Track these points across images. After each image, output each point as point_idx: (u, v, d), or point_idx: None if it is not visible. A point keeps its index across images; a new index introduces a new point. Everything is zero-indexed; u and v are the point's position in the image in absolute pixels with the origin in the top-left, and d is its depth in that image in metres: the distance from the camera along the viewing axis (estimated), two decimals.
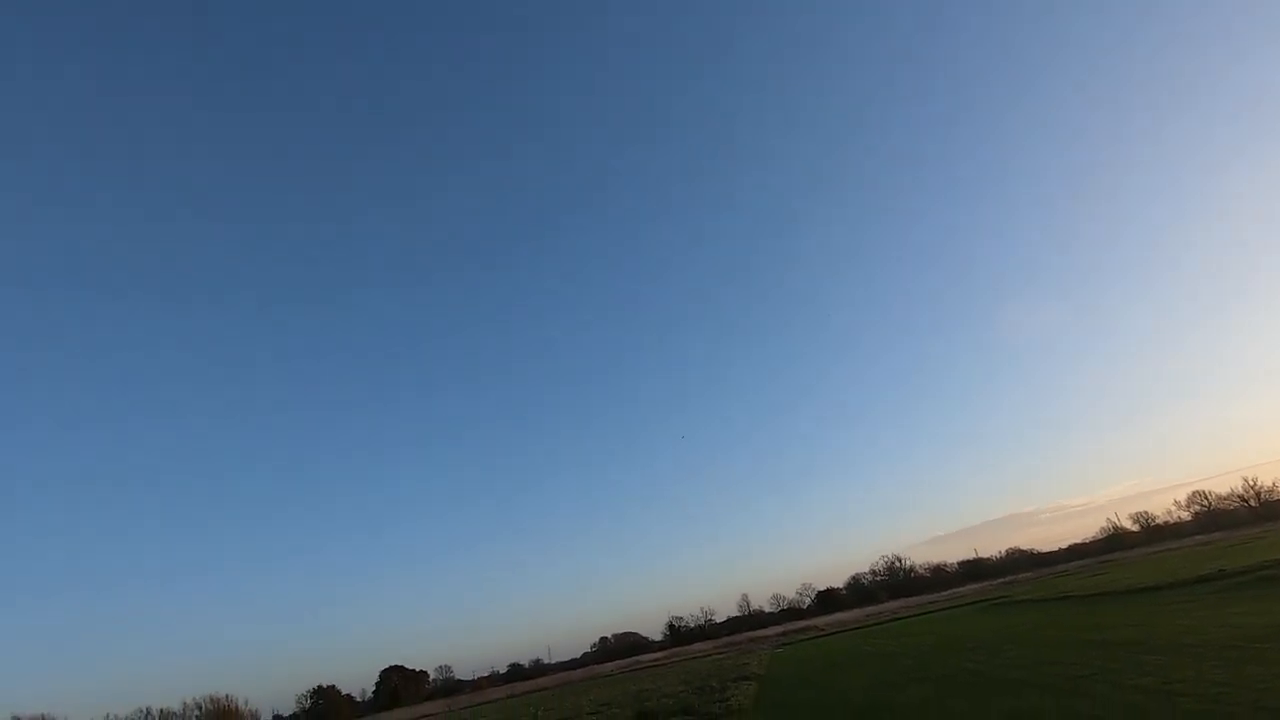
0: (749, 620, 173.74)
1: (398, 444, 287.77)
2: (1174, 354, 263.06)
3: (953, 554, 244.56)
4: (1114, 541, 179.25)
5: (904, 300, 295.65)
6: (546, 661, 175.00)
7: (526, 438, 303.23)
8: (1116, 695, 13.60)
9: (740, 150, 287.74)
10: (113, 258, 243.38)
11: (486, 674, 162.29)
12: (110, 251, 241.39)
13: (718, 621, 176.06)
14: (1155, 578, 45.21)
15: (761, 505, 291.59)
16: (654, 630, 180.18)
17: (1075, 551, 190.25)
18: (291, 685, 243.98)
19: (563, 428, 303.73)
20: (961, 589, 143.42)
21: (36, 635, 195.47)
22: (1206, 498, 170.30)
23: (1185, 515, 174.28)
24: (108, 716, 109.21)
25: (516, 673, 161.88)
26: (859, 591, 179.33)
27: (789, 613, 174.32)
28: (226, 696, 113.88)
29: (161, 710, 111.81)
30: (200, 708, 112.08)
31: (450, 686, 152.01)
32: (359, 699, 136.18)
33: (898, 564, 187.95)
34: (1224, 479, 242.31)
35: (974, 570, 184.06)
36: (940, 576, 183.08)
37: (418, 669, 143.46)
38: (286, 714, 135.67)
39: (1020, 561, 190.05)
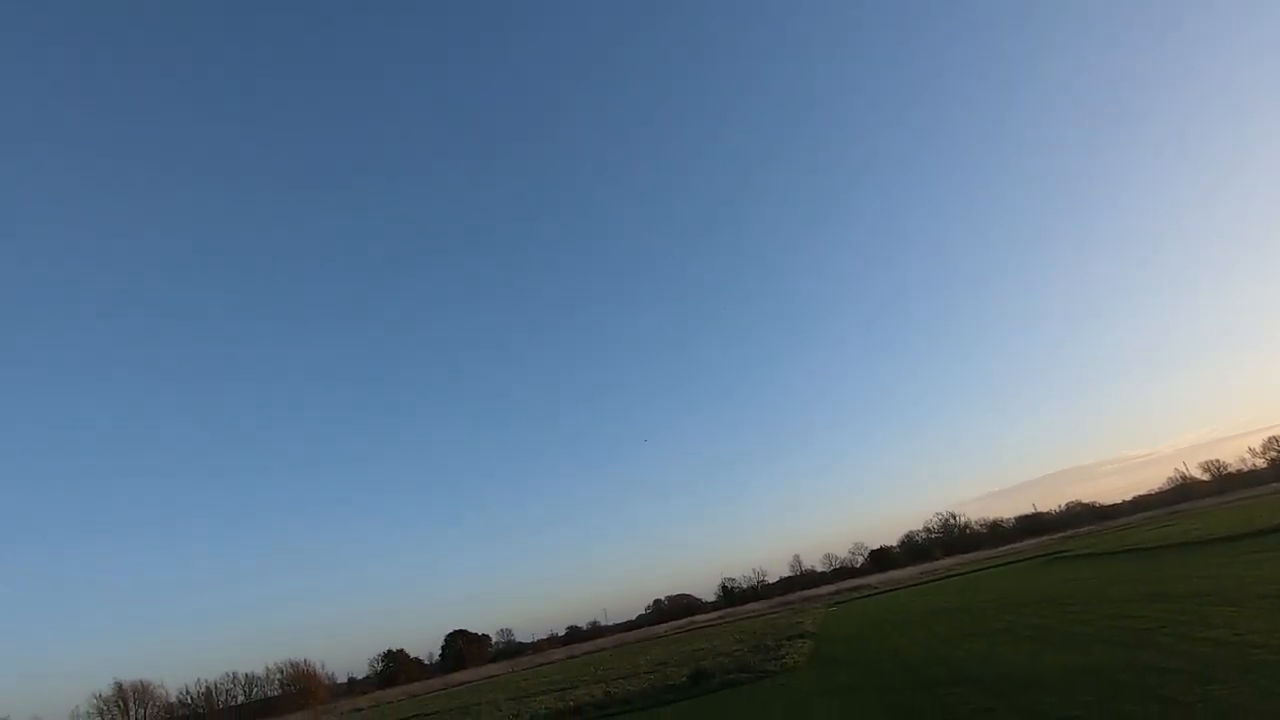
0: (801, 580, 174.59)
1: (462, 419, 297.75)
2: (1240, 292, 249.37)
3: (1010, 509, 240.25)
4: (1183, 492, 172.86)
5: (955, 251, 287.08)
6: (603, 624, 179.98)
7: (582, 410, 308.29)
8: (1185, 648, 13.26)
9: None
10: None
11: (546, 636, 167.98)
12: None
13: (770, 582, 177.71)
14: (1228, 528, 43.53)
15: (811, 466, 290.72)
16: (707, 592, 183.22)
17: (1141, 503, 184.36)
18: (363, 649, 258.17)
19: (610, 399, 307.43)
20: (1019, 544, 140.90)
21: (134, 605, 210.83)
22: None
23: (1260, 462, 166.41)
24: (199, 681, 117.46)
25: (574, 635, 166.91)
26: (913, 549, 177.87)
27: (841, 572, 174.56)
28: (305, 661, 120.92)
29: (247, 675, 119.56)
30: (281, 672, 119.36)
31: (512, 649, 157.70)
32: (426, 661, 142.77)
33: (952, 521, 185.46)
34: None
35: (1032, 525, 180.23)
36: (997, 532, 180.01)
37: (480, 633, 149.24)
38: (360, 676, 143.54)
39: (1081, 515, 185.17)
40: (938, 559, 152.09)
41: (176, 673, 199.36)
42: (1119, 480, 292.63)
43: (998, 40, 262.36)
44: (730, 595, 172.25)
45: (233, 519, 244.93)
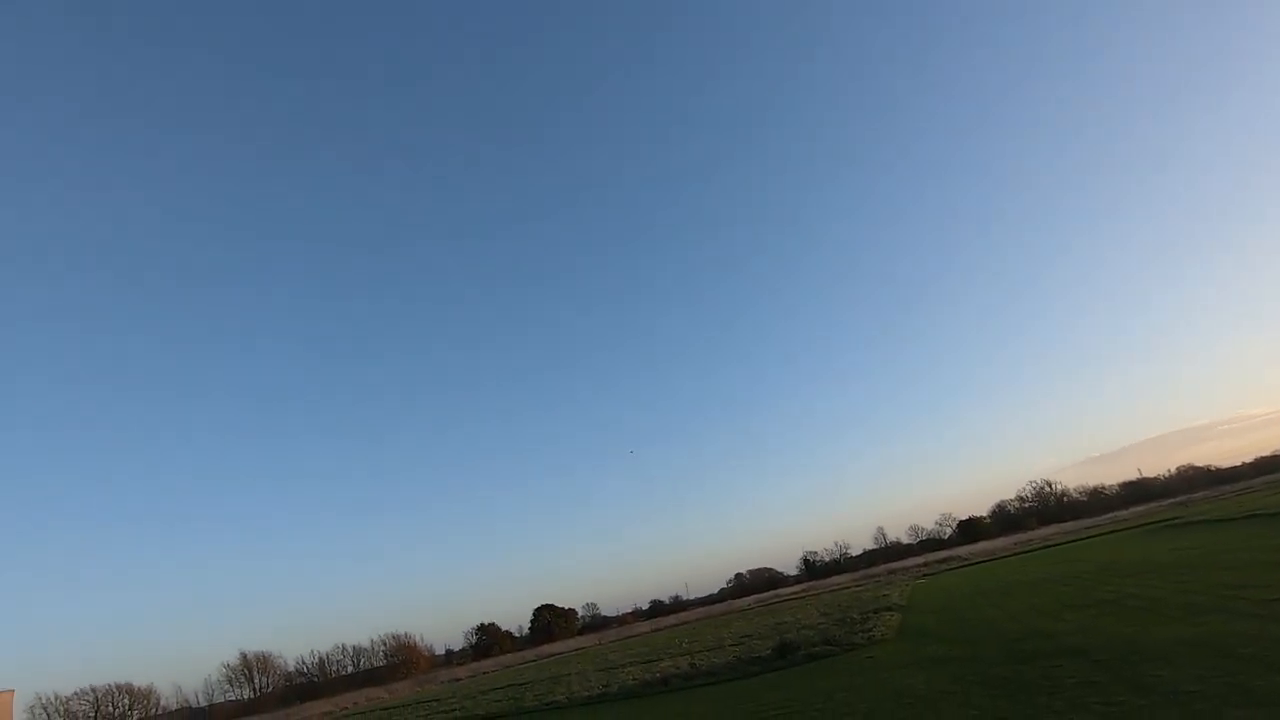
0: (885, 552, 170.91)
1: (541, 396, 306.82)
2: None
3: (1112, 475, 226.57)
4: None
5: (1049, 195, 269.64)
6: (685, 597, 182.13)
7: (655, 382, 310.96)
8: None
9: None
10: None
11: (630, 610, 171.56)
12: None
13: (853, 555, 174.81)
14: None
15: (895, 435, 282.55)
16: (788, 565, 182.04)
17: (1263, 466, 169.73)
18: (458, 623, 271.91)
19: (689, 370, 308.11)
20: (1123, 512, 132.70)
21: (256, 582, 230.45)
22: None
23: None
24: (312, 652, 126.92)
25: (658, 608, 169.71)
26: (1005, 520, 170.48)
27: (928, 544, 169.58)
28: (405, 633, 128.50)
29: (354, 646, 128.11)
30: (385, 643, 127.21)
31: (597, 622, 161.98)
32: (517, 634, 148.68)
33: (1048, 489, 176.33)
34: None
35: (1138, 491, 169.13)
36: (1098, 500, 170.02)
37: (567, 606, 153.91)
38: (456, 648, 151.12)
39: (1195, 480, 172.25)
40: (1032, 529, 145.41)
41: (293, 644, 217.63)
42: (1237, 442, 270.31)
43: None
44: (812, 568, 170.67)
45: (339, 503, 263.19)
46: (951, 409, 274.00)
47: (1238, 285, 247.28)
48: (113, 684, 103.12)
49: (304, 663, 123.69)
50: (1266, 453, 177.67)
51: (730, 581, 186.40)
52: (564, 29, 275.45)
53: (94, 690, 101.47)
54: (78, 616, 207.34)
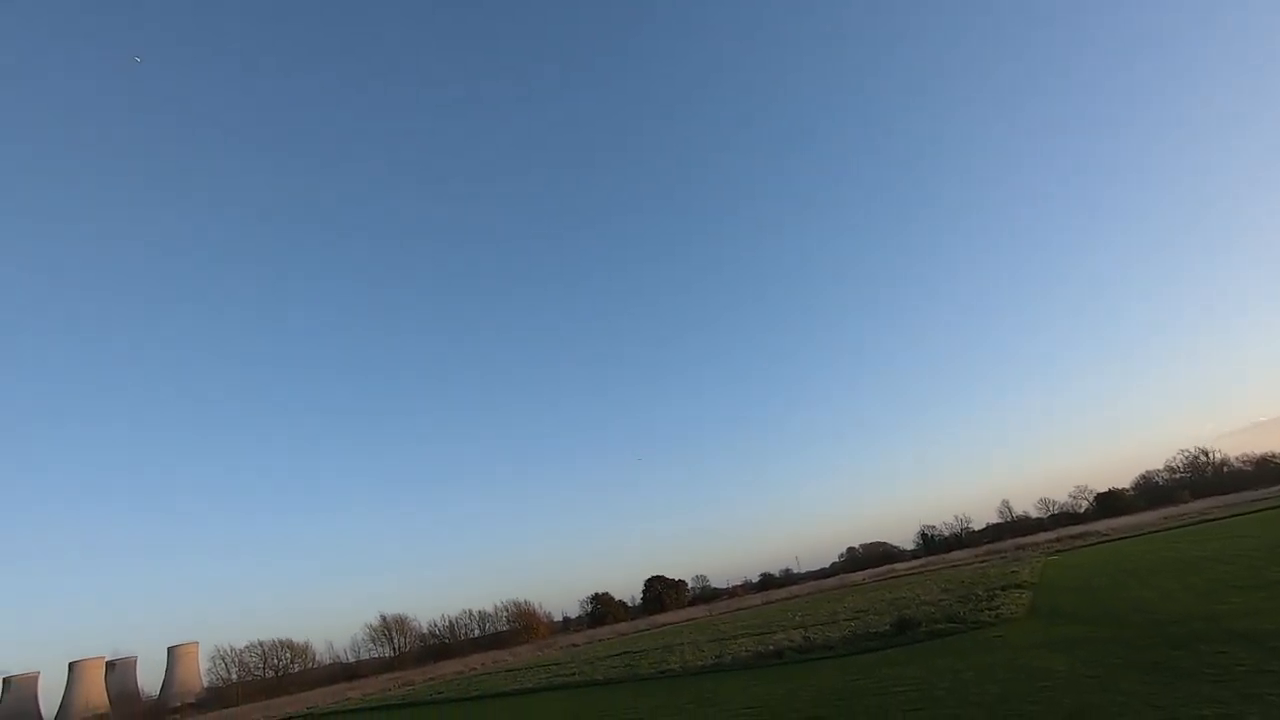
0: (1012, 527, 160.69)
1: (657, 371, 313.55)
2: None
3: None
4: None
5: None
6: (796, 571, 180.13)
7: (762, 356, 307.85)
8: None
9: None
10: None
11: (740, 582, 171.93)
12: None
13: (975, 529, 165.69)
14: None
15: (1021, 400, 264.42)
16: (904, 539, 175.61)
17: None
18: (573, 592, 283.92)
19: (803, 344, 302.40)
20: None
21: (394, 550, 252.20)
22: None
23: None
24: (443, 615, 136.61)
25: (768, 581, 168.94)
26: (1150, 492, 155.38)
27: (1061, 518, 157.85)
28: (525, 601, 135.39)
29: (480, 611, 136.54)
30: (507, 610, 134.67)
31: (707, 594, 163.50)
32: (629, 604, 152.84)
33: (1203, 458, 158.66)
34: None
35: None
36: (1266, 470, 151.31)
37: (677, 578, 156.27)
38: (572, 616, 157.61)
39: None
40: (1184, 502, 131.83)
41: (425, 608, 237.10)
42: None
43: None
44: (930, 543, 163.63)
45: (467, 479, 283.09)
46: (1083, 369, 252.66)
47: None
48: (276, 639, 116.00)
49: (435, 625, 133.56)
50: None
51: (842, 555, 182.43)
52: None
53: (261, 644, 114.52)
54: (248, 580, 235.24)
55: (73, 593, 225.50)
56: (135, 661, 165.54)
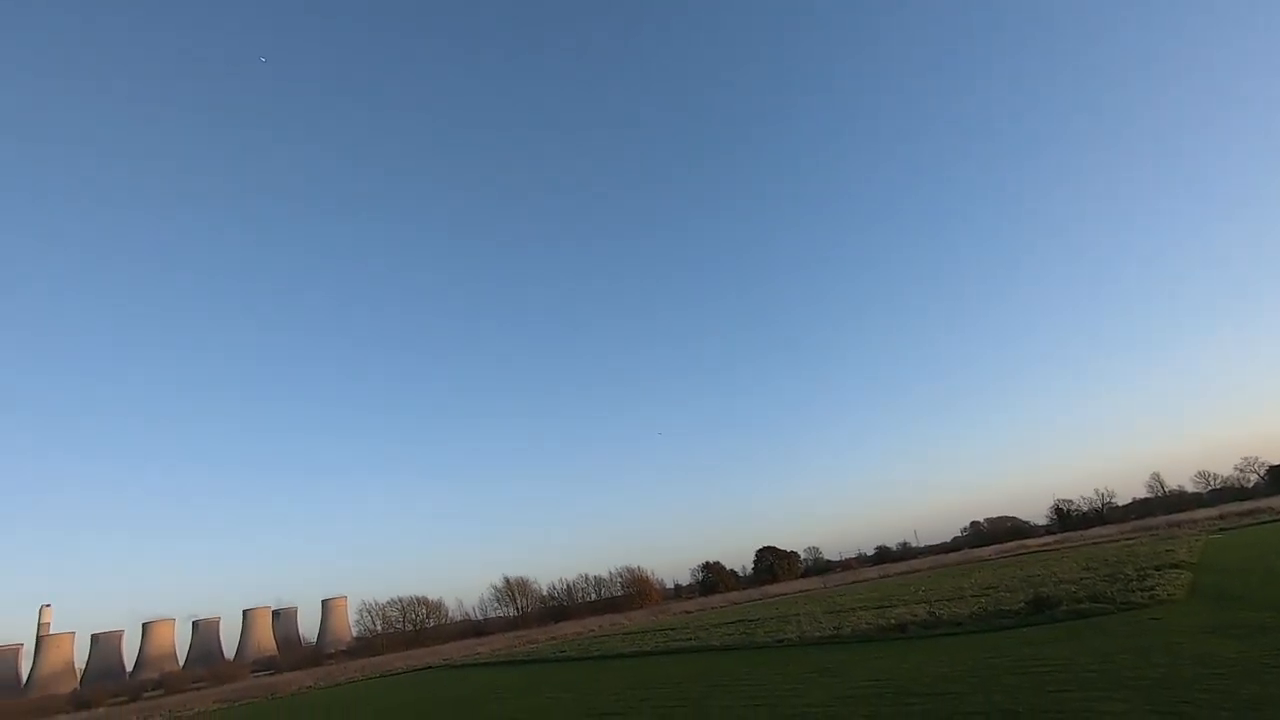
0: (1164, 502, 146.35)
1: (766, 348, 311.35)
2: None
3: None
4: None
5: None
6: (914, 545, 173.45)
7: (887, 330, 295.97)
8: None
9: None
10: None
11: (854, 555, 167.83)
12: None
13: (1119, 504, 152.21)
14: None
15: (1173, 361, 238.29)
16: (1034, 514, 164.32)
17: None
18: (684, 560, 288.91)
19: (925, 314, 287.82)
20: None
21: (519, 514, 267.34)
22: None
23: None
24: (560, 579, 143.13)
25: (884, 555, 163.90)
26: None
27: (1224, 493, 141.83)
28: (638, 567, 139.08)
29: (595, 576, 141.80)
30: (621, 576, 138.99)
31: (820, 566, 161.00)
32: (740, 574, 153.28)
33: None
34: None
35: None
36: None
37: (789, 549, 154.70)
38: (684, 584, 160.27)
39: None
40: None
41: (545, 571, 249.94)
42: None
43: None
44: (1065, 518, 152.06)
45: (589, 448, 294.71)
46: (1251, 322, 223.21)
47: None
48: (414, 596, 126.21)
49: (554, 588, 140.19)
50: None
51: (965, 530, 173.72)
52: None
53: (401, 600, 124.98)
54: (390, 542, 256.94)
55: (244, 549, 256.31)
56: (296, 611, 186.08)
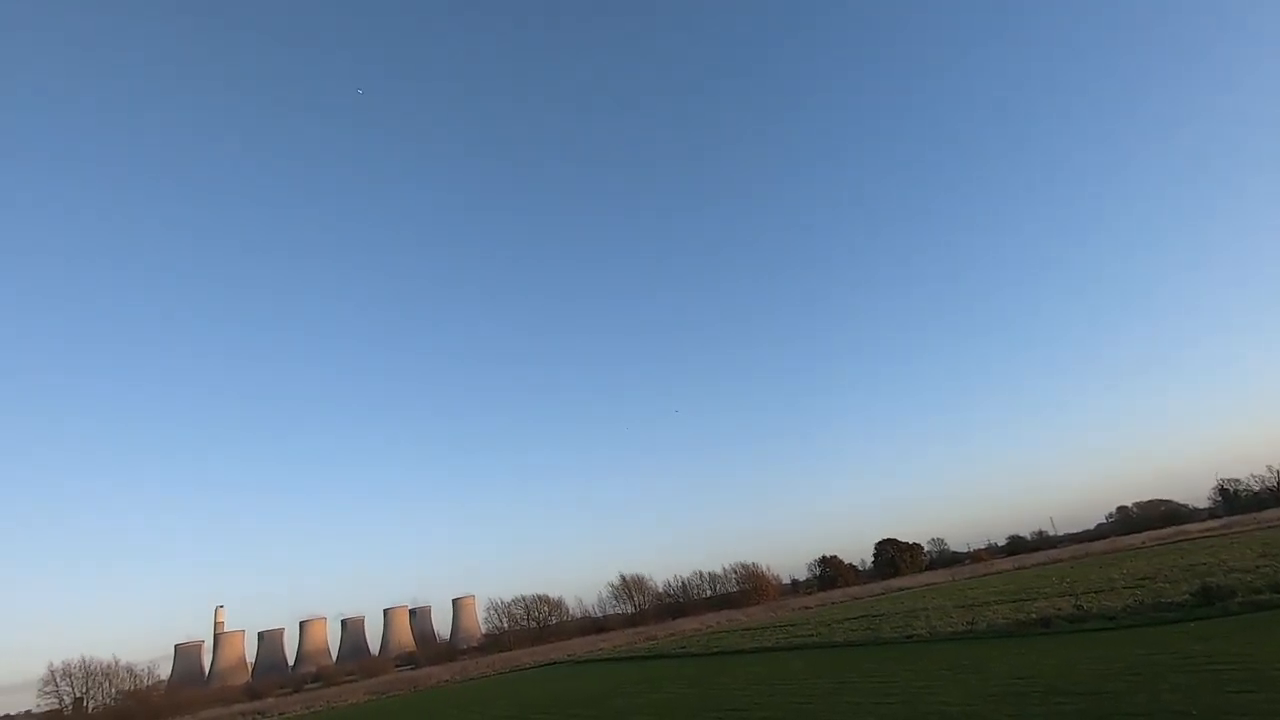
0: None
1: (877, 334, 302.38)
2: None
3: None
4: None
5: None
6: (1051, 533, 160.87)
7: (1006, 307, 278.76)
8: None
9: None
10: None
11: (983, 546, 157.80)
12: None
13: None
14: None
15: None
16: (1194, 496, 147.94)
17: None
18: (799, 555, 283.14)
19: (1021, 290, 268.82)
20: None
21: (633, 514, 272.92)
22: None
23: None
24: (675, 576, 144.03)
25: (1018, 544, 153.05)
26: None
27: None
28: (753, 563, 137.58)
29: (710, 573, 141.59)
30: (736, 572, 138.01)
31: (946, 558, 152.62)
32: (859, 567, 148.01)
33: None
34: None
35: None
36: None
37: (911, 541, 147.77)
38: (800, 578, 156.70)
39: None
40: None
41: (660, 568, 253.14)
42: None
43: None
44: (1233, 500, 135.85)
45: (698, 447, 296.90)
46: None
47: None
48: (536, 595, 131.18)
49: (669, 585, 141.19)
50: None
51: (1110, 515, 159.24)
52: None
53: (525, 599, 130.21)
54: (510, 541, 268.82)
55: (383, 552, 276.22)
56: (430, 610, 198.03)
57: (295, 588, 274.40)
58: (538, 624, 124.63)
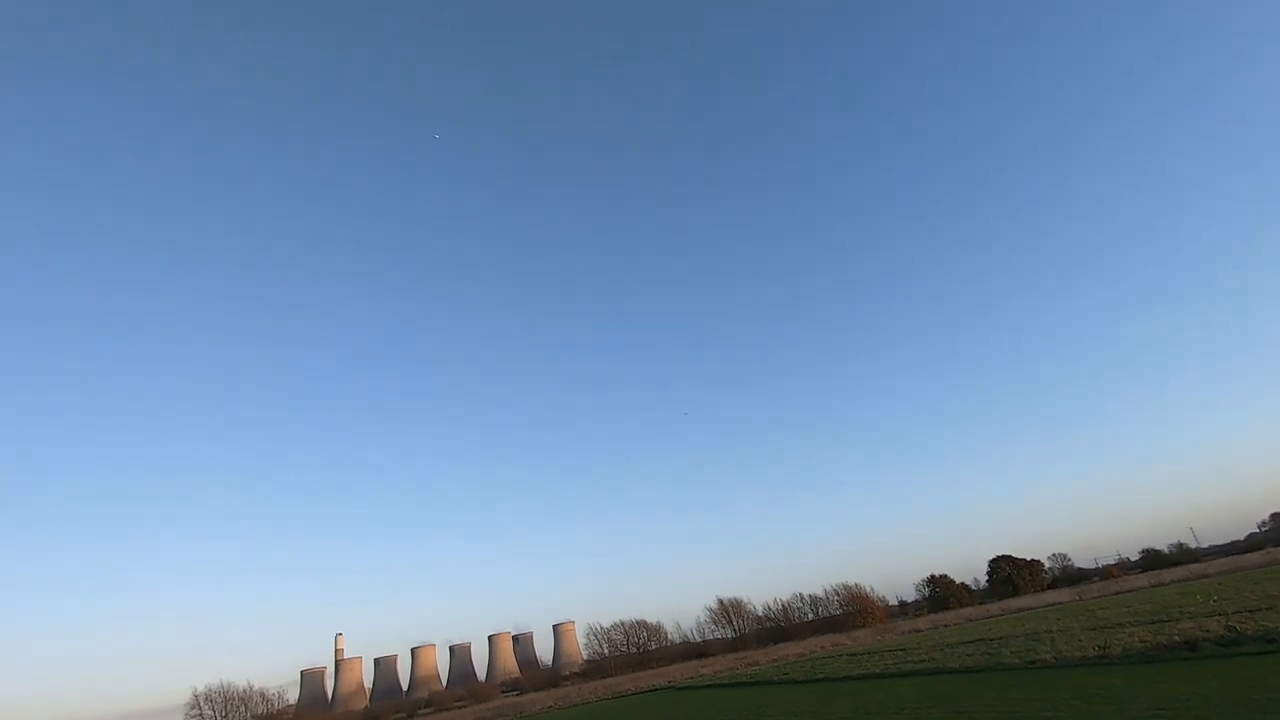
0: None
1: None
2: None
3: None
4: None
5: None
6: (1192, 545, 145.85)
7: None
8: None
9: None
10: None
11: (1113, 561, 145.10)
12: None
13: None
14: None
15: None
16: None
17: None
18: (905, 575, 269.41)
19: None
20: None
21: (728, 537, 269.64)
22: None
23: None
24: (774, 599, 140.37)
25: (1155, 559, 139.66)
26: None
27: None
28: (855, 584, 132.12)
29: (811, 595, 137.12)
30: (838, 594, 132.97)
31: (1071, 575, 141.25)
32: (973, 587, 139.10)
33: None
34: None
35: None
36: None
37: (1029, 558, 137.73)
38: (908, 600, 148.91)
39: None
40: None
41: (758, 591, 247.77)
42: None
43: None
44: None
45: (793, 465, 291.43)
46: None
47: None
48: (635, 620, 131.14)
49: (769, 608, 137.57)
50: None
51: (1264, 524, 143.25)
52: None
53: (623, 624, 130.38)
54: (607, 565, 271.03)
55: (484, 579, 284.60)
56: (531, 636, 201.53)
57: (405, 615, 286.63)
58: (637, 649, 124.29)
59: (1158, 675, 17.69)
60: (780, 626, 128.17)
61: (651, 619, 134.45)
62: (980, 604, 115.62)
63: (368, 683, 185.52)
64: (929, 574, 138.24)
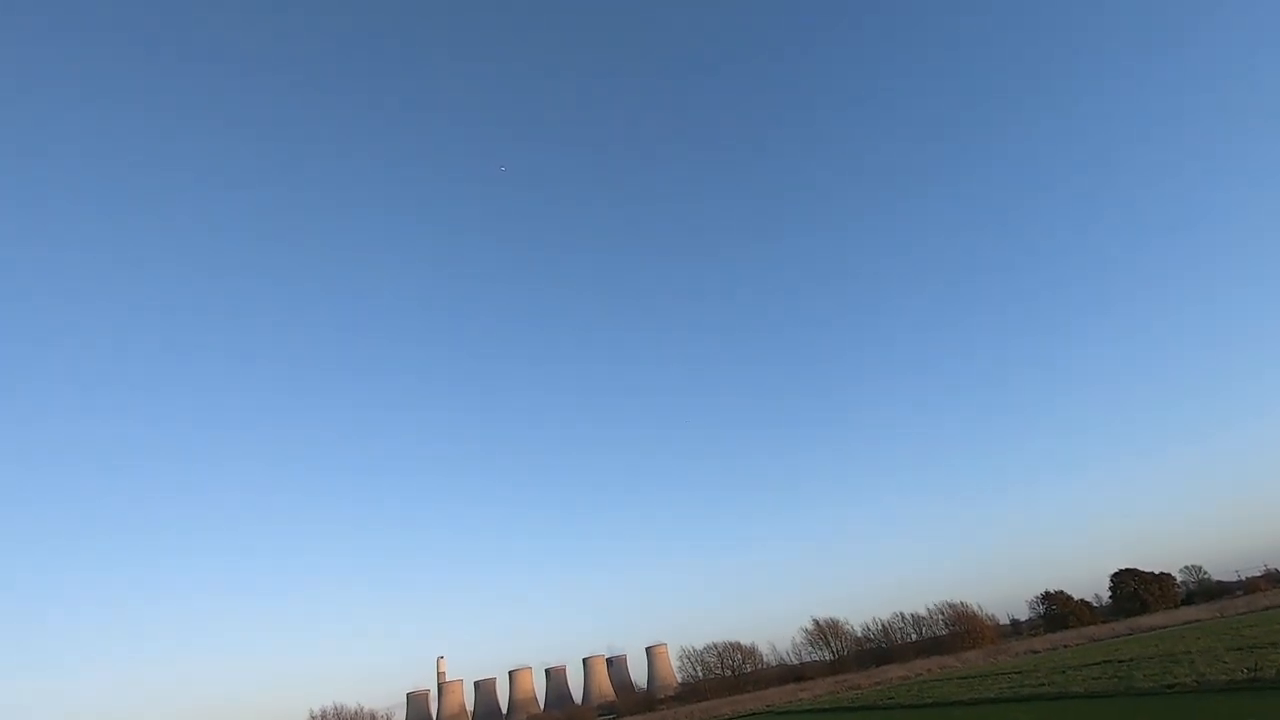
0: None
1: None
2: None
3: None
4: None
5: None
6: None
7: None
8: None
9: None
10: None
11: (1259, 573, 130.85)
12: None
13: None
14: None
15: None
16: None
17: None
18: (1016, 591, 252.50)
19: None
20: None
21: (822, 556, 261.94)
22: None
23: None
24: (874, 619, 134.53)
25: None
26: None
27: None
28: (962, 602, 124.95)
29: (913, 614, 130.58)
30: (943, 613, 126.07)
31: (1209, 589, 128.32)
32: (1094, 604, 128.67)
33: None
34: None
35: None
36: None
37: (1158, 571, 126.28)
38: (1020, 619, 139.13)
39: None
40: None
41: (856, 611, 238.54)
42: None
43: None
44: None
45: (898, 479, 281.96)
46: None
47: None
48: (728, 642, 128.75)
49: (869, 629, 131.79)
50: None
51: None
52: None
53: (717, 646, 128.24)
54: (701, 588, 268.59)
55: (577, 602, 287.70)
56: (625, 659, 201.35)
57: (502, 638, 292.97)
58: (732, 671, 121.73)
59: None
60: (881, 648, 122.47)
61: (744, 640, 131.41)
62: (1104, 622, 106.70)
63: (469, 705, 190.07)
64: (1042, 590, 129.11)
